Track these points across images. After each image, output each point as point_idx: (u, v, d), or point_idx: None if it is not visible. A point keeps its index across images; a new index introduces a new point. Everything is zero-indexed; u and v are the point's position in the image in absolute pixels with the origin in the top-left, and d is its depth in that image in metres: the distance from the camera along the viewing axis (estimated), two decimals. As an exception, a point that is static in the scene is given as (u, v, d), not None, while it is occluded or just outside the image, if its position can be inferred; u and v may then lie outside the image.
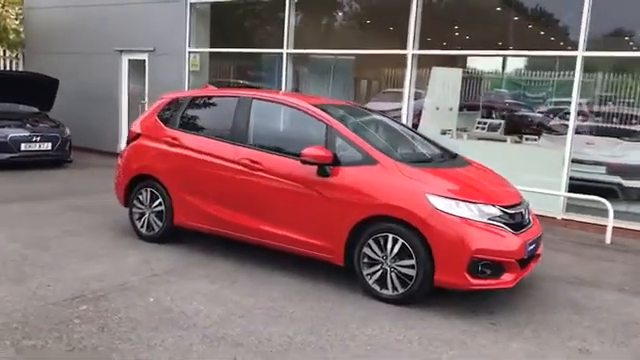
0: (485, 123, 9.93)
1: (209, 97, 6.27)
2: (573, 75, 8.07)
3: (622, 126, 9.68)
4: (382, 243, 4.67)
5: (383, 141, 5.56)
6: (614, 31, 9.36)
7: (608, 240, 7.27)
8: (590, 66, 8.47)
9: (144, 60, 12.49)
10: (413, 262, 4.53)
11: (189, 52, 11.89)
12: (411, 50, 9.23)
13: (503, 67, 11.65)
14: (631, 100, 9.35)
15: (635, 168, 9.16)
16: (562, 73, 10.15)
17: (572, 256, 6.58)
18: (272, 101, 5.68)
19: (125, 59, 12.92)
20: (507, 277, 4.54)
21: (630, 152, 9.36)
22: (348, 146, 4.99)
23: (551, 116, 11.02)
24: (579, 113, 8.49)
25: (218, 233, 5.71)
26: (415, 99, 9.54)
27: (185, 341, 3.79)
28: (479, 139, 9.34)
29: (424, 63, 9.69)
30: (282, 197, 5.18)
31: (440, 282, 4.49)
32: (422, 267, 4.49)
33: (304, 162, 4.91)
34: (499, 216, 4.62)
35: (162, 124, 6.14)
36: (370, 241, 4.72)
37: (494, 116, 10.64)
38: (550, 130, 10.37)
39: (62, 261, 5.33)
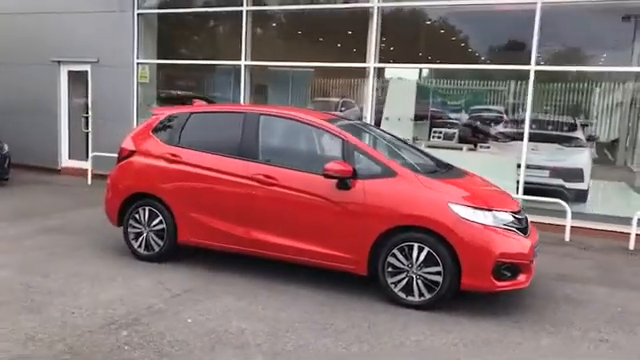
0: (440, 132, 10.44)
1: (210, 113, 6.23)
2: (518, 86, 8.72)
3: (561, 133, 10.59)
4: (407, 252, 4.89)
5: (394, 154, 5.80)
6: (562, 49, 10.26)
7: (567, 238, 7.94)
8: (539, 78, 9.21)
9: (86, 71, 11.96)
10: (439, 269, 4.79)
11: (137, 63, 11.55)
12: (372, 63, 9.57)
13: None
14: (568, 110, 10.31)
15: (573, 171, 10.04)
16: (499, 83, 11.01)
17: (545, 255, 7.12)
18: (281, 117, 5.74)
19: (64, 70, 12.30)
20: (522, 278, 4.91)
21: (568, 157, 10.27)
22: (366, 159, 5.18)
23: (492, 125, 11.82)
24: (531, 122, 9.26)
25: (227, 249, 5.69)
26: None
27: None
28: (437, 148, 9.83)
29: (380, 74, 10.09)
30: (301, 211, 5.27)
31: (467, 286, 4.79)
32: (449, 273, 4.76)
33: (327, 176, 5.04)
34: (512, 221, 4.99)
35: (159, 141, 6.02)
36: (395, 250, 4.93)
37: (447, 125, 11.20)
38: (496, 138, 11.11)
39: (71, 287, 5.10)
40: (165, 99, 11.98)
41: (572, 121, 10.77)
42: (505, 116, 11.60)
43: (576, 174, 10.05)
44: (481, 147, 10.13)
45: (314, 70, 11.73)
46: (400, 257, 4.92)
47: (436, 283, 4.82)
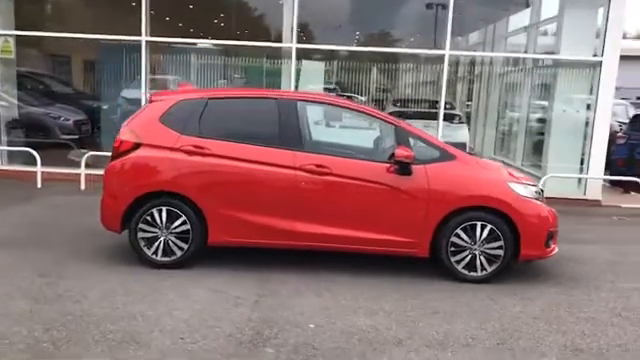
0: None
1: (233, 99, 5.61)
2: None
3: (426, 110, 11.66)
4: (470, 231, 5.18)
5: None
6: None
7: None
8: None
9: None
10: (501, 243, 5.18)
11: (-3, 34, 9.60)
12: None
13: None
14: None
15: (458, 145, 11.27)
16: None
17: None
18: (323, 103, 5.49)
19: None
20: (553, 244, 5.56)
21: (454, 132, 11.47)
22: (422, 144, 5.29)
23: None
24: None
25: (268, 245, 5.33)
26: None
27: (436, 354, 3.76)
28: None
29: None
30: (359, 200, 5.18)
31: (525, 256, 5.27)
32: (510, 246, 5.18)
33: (396, 163, 5.05)
34: (537, 192, 5.58)
35: (172, 131, 5.29)
36: (458, 230, 5.18)
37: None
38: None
39: (127, 309, 4.30)
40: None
41: (451, 101, 11.99)
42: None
43: (462, 148, 11.33)
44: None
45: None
46: (463, 236, 5.19)
47: (497, 257, 5.21)
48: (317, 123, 5.65)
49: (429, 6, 11.05)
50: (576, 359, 3.83)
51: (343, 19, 10.42)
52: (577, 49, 9.66)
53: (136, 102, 9.29)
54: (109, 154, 5.47)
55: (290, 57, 9.45)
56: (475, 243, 5.18)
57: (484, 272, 5.23)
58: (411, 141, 5.26)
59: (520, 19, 11.18)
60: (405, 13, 10.83)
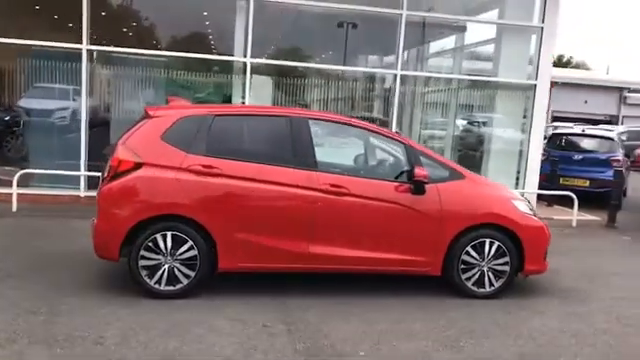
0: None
1: (241, 116, 5.29)
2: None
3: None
4: (479, 248, 5.29)
5: None
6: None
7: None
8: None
9: None
10: (507, 259, 5.34)
11: None
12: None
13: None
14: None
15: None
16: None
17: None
18: (334, 121, 5.35)
19: None
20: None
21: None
22: (432, 163, 5.33)
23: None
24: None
25: (285, 270, 5.11)
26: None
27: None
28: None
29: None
30: (376, 220, 5.11)
31: (528, 271, 5.47)
32: (515, 262, 5.36)
33: (414, 183, 5.05)
34: (533, 210, 5.83)
35: (177, 149, 4.90)
36: (468, 248, 5.27)
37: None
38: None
39: (165, 344, 3.89)
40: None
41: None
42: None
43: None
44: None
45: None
46: (473, 253, 5.28)
47: (503, 272, 5.36)
48: (328, 142, 5.51)
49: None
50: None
51: (295, 36, 10.34)
52: (513, 73, 10.32)
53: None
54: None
55: (243, 72, 9.21)
56: (484, 260, 5.30)
57: (492, 288, 5.36)
58: (423, 160, 5.30)
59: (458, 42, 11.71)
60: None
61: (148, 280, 4.82)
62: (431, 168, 5.30)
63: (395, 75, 9.76)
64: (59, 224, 7.43)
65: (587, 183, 11.65)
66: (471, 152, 11.53)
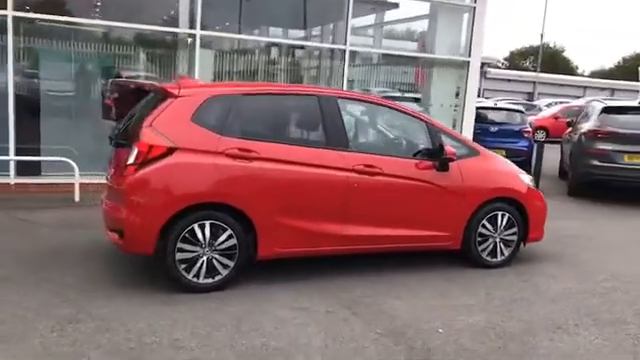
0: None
1: (269, 95, 4.96)
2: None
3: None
4: (493, 220, 5.56)
5: None
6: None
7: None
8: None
9: None
10: (515, 229, 5.67)
11: None
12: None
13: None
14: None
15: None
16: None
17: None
18: (362, 100, 5.25)
19: None
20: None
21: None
22: (452, 141, 5.46)
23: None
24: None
25: (323, 253, 5.00)
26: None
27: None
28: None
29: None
30: (408, 198, 5.17)
31: (531, 239, 5.84)
32: (521, 232, 5.71)
33: (442, 160, 5.16)
34: (532, 181, 6.20)
35: (210, 131, 4.54)
36: (484, 221, 5.53)
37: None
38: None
39: (249, 340, 3.66)
40: None
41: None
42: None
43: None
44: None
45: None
46: (488, 226, 5.55)
47: (511, 242, 5.69)
48: (357, 122, 5.39)
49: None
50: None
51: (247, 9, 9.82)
52: (447, 50, 10.77)
53: None
54: None
55: (190, 45, 8.66)
56: (496, 231, 5.59)
57: (502, 257, 5.67)
58: (444, 138, 5.41)
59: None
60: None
61: (186, 274, 4.47)
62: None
63: (344, 50, 9.74)
64: (3, 216, 6.59)
65: (504, 153, 12.60)
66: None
